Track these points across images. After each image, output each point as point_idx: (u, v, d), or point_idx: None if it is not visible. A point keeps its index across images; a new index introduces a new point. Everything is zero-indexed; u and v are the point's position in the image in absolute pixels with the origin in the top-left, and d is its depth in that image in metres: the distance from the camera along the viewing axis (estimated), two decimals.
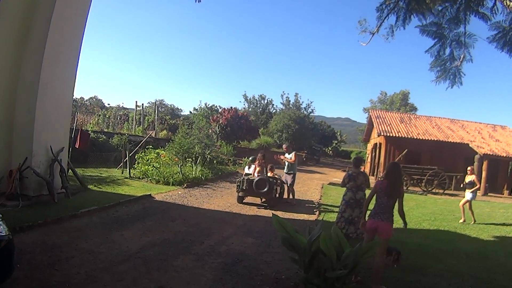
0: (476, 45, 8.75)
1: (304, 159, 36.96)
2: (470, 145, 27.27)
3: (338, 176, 28.24)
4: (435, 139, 28.78)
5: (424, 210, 15.35)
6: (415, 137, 28.79)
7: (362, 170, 9.55)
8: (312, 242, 5.17)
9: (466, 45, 8.80)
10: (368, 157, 37.23)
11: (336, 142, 59.33)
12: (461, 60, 8.86)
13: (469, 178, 13.31)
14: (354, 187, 8.74)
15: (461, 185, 14.16)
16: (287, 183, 13.75)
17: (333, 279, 4.88)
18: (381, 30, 9.65)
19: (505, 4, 7.34)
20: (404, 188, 22.04)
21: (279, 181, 13.66)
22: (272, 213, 5.93)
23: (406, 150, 25.87)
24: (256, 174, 12.95)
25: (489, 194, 25.56)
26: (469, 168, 13.99)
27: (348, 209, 8.68)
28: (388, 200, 5.95)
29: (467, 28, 8.67)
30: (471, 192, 13.02)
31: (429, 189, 23.61)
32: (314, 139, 46.69)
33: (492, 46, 8.55)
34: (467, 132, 31.44)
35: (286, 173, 13.77)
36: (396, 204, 6.04)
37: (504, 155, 26.30)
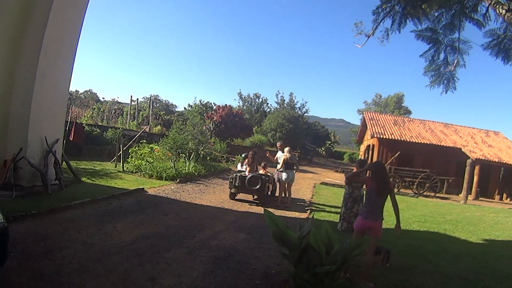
0: (471, 52, 8.89)
1: (297, 158, 36.95)
2: (462, 150, 27.40)
3: (331, 176, 28.41)
4: (428, 143, 28.91)
5: (414, 212, 15.45)
6: (408, 140, 28.90)
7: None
8: (303, 237, 5.24)
9: (460, 51, 8.93)
10: (360, 158, 37.32)
11: (329, 142, 59.36)
12: (454, 65, 8.99)
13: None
14: (360, 186, 9.38)
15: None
16: (279, 181, 13.80)
17: (322, 275, 4.95)
18: (376, 33, 9.80)
19: (497, 11, 7.46)
20: (396, 189, 22.34)
21: (271, 179, 13.72)
22: (264, 209, 6.00)
23: (398, 152, 26.03)
24: (247, 172, 13.05)
25: (480, 198, 25.79)
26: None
27: (356, 204, 9.65)
28: (380, 198, 6.05)
29: (462, 34, 8.80)
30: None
31: (421, 191, 23.75)
32: (308, 139, 46.71)
33: (486, 52, 8.68)
34: (460, 136, 31.58)
35: (278, 171, 13.79)
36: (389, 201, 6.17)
37: (496, 161, 26.45)
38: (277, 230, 5.40)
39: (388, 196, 6.13)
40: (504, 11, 7.24)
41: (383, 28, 9.77)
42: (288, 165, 13.16)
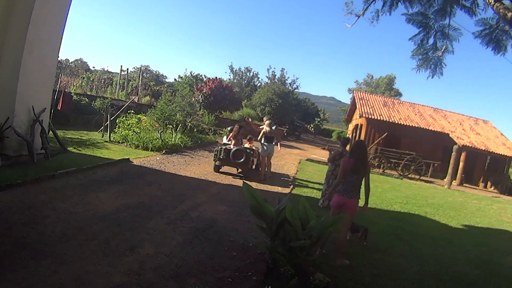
0: (465, 40, 8.97)
1: (285, 134, 37.02)
2: (450, 135, 27.62)
3: (317, 153, 28.52)
4: (416, 126, 29.11)
5: (397, 193, 15.73)
6: (396, 122, 29.09)
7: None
8: (280, 211, 5.37)
9: (450, 37, 9.00)
10: (348, 137, 37.47)
11: (318, 120, 59.16)
12: (442, 50, 9.06)
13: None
14: None
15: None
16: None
17: (297, 249, 5.10)
18: (367, 13, 9.83)
19: (486, 0, 7.51)
20: (381, 170, 22.64)
21: (256, 153, 13.81)
22: (243, 182, 6.12)
23: (386, 133, 26.27)
24: (233, 145, 13.11)
25: (464, 184, 26.21)
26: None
27: None
28: (355, 177, 6.21)
29: (453, 21, 8.86)
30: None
31: (406, 173, 24.08)
32: (297, 115, 46.61)
33: (477, 41, 8.77)
34: (449, 122, 31.80)
35: (262, 143, 13.55)
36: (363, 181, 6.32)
37: (483, 149, 26.71)
38: (255, 203, 5.54)
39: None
40: (492, 0, 7.28)
41: (373, 9, 9.81)
42: (267, 139, 13.19)
